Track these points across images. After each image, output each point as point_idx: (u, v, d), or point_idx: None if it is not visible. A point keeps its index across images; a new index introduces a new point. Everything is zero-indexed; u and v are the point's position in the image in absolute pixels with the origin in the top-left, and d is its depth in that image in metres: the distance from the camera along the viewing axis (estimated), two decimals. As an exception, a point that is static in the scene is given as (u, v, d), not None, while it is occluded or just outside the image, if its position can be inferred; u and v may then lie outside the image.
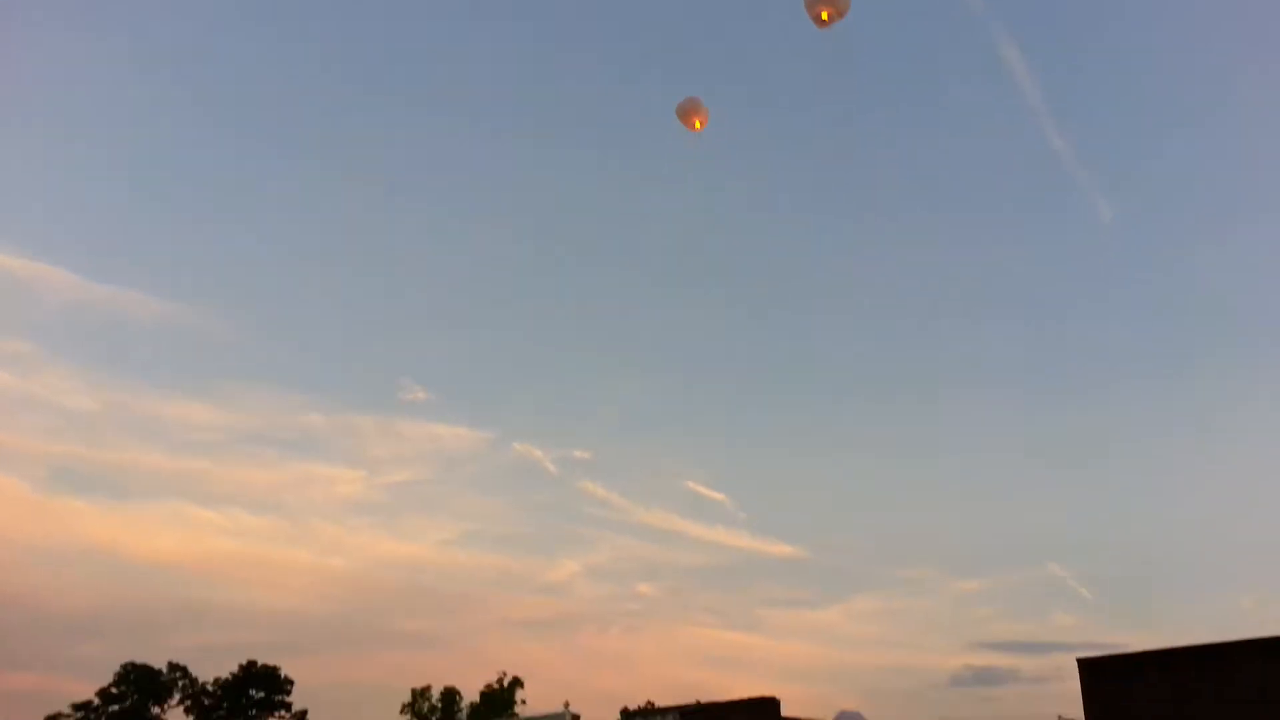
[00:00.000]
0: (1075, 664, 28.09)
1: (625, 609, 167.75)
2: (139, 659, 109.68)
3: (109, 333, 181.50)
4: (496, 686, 71.34)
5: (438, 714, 72.32)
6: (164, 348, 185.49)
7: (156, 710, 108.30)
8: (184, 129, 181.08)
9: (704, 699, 39.50)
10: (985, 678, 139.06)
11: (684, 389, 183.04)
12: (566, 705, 46.08)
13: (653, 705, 41.27)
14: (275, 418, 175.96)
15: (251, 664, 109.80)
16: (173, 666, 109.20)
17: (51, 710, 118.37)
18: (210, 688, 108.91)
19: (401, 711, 73.40)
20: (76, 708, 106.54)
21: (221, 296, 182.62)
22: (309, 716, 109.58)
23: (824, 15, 12.14)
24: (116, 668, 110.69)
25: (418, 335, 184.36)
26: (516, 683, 71.91)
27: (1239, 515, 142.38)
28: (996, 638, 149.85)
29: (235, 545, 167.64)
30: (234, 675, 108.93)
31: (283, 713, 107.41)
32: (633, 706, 41.76)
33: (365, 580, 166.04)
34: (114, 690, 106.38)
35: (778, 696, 36.31)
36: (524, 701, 69.23)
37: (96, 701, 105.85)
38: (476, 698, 71.25)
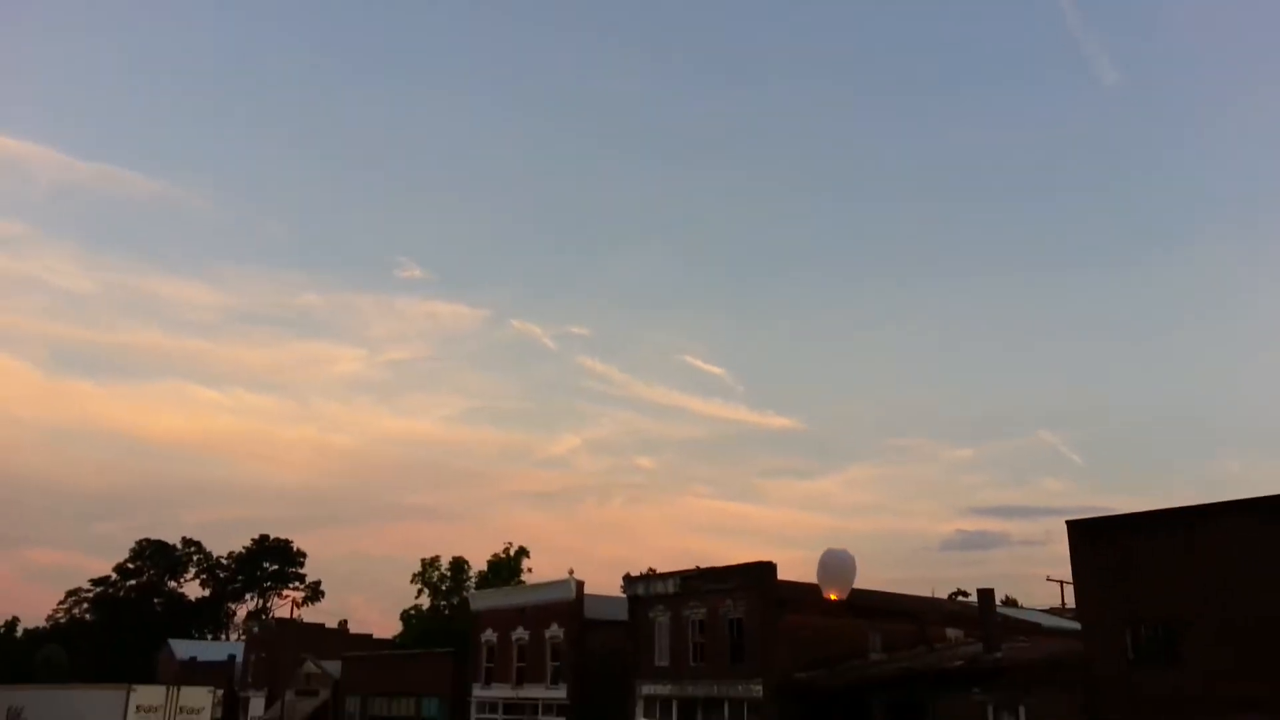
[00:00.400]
0: (1064, 527, 28.54)
1: (626, 481, 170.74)
2: (153, 535, 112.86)
3: (102, 212, 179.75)
4: (503, 556, 73.09)
5: (447, 583, 74.31)
6: (159, 227, 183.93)
7: (173, 584, 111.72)
8: (178, 5, 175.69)
9: (703, 565, 40.41)
10: (976, 542, 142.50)
11: (682, 264, 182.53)
12: (571, 573, 47.20)
13: (654, 572, 42.27)
14: (272, 297, 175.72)
15: (264, 538, 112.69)
16: (187, 542, 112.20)
17: (72, 585, 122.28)
18: (225, 561, 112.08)
19: (412, 581, 75.44)
20: (95, 582, 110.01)
21: (215, 175, 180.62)
22: (322, 587, 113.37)
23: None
24: (132, 544, 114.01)
25: (413, 213, 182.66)
26: (523, 552, 73.64)
27: (1228, 382, 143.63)
28: (987, 503, 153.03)
29: (239, 424, 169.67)
30: (247, 549, 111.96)
31: (296, 584, 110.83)
32: (634, 573, 42.81)
33: (369, 457, 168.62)
34: (131, 565, 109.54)
35: (774, 561, 37.16)
36: (530, 570, 71.15)
37: (114, 576, 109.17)
38: (484, 567, 73.15)
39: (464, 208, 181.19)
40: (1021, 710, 27.83)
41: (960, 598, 59.47)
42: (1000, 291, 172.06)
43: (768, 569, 36.91)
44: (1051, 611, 50.87)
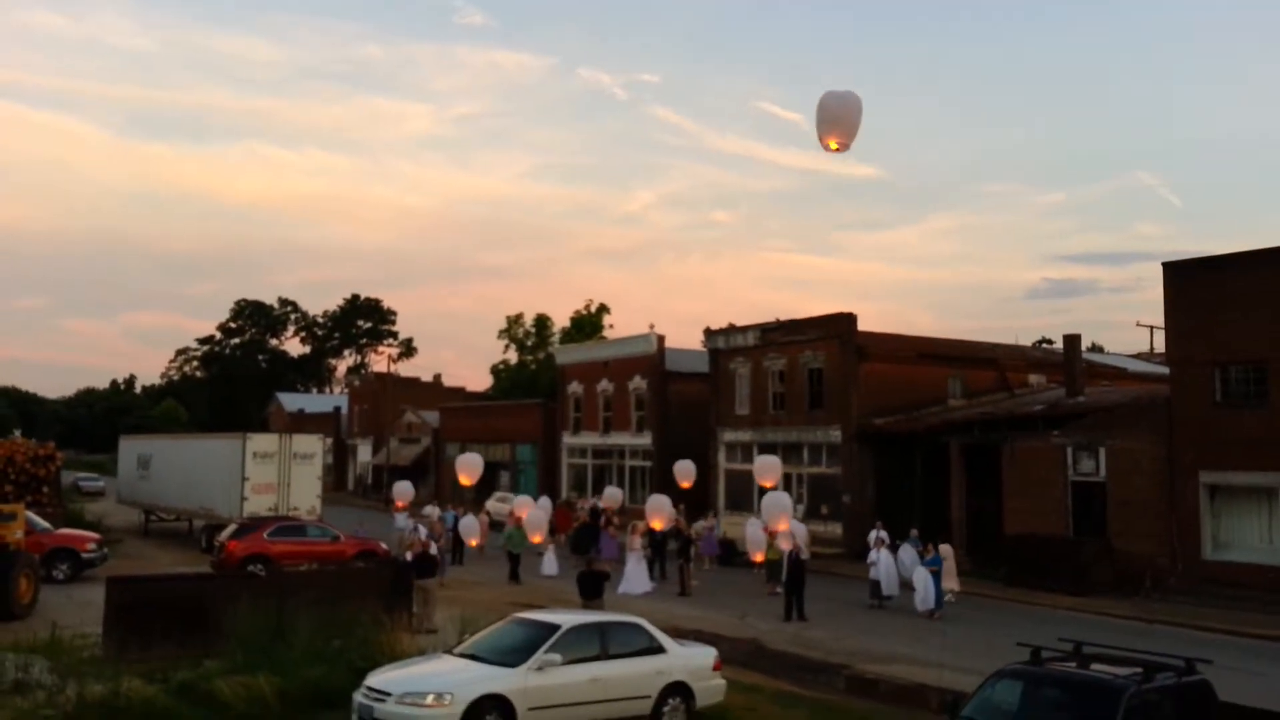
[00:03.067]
0: (1158, 271, 27.64)
1: (702, 236, 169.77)
2: (249, 296, 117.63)
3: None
4: (584, 313, 74.54)
5: (532, 339, 76.47)
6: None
7: (274, 341, 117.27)
8: None
9: (781, 318, 40.57)
10: (1063, 290, 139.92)
11: (756, 2, 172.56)
12: (651, 327, 47.96)
13: (733, 325, 42.63)
14: (333, 51, 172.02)
15: (355, 297, 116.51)
16: (283, 301, 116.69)
17: (180, 345, 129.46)
18: (320, 319, 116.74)
19: (498, 337, 77.85)
20: (202, 341, 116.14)
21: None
22: (414, 344, 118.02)
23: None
24: (230, 304, 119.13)
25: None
26: (603, 309, 74.92)
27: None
28: (1077, 250, 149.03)
29: (317, 185, 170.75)
30: (340, 308, 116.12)
31: (390, 341, 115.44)
32: (714, 327, 43.31)
33: (445, 217, 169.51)
34: (232, 324, 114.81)
35: (855, 313, 37.14)
36: (611, 327, 72.63)
37: (219, 335, 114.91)
38: (566, 324, 74.88)
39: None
40: (1102, 452, 28.09)
41: (1045, 346, 59.06)
42: (1096, 25, 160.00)
43: (847, 319, 37.00)
44: (1139, 357, 50.34)
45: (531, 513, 25.45)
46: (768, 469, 28.79)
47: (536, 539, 24.77)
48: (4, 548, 20.49)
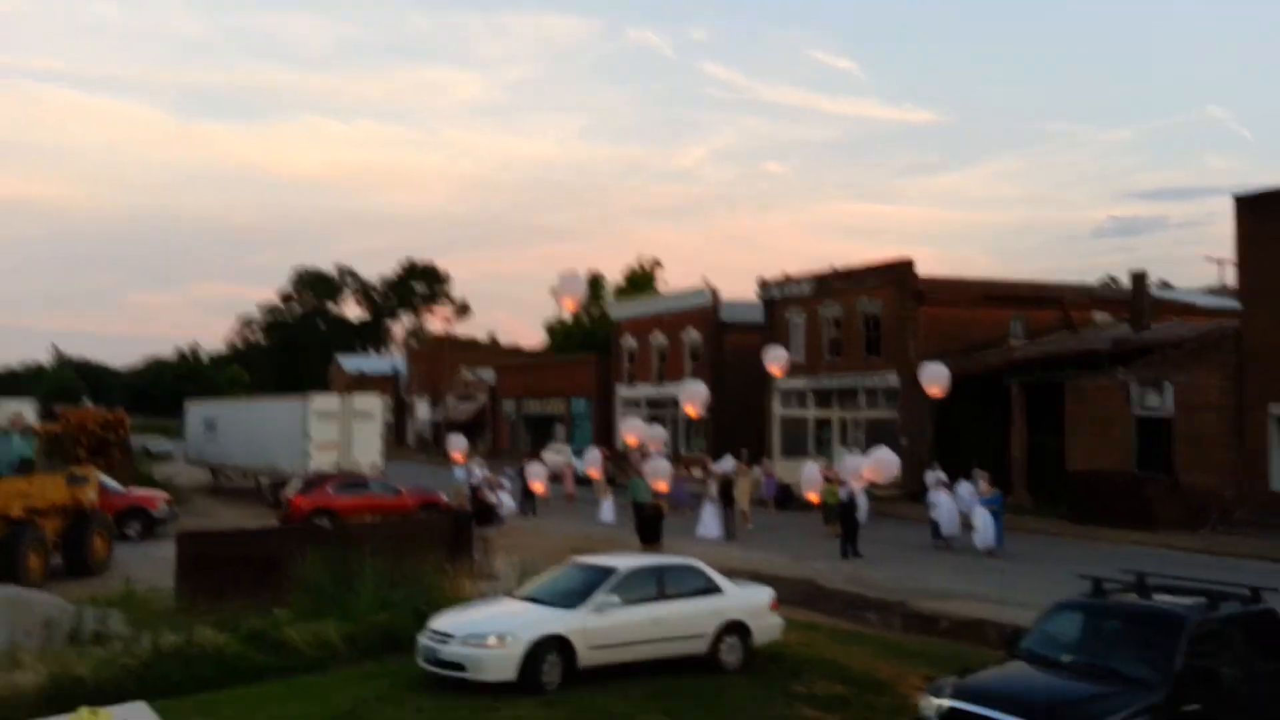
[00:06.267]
0: (1230, 204, 26.83)
1: (754, 189, 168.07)
2: (308, 265, 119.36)
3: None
4: (638, 269, 74.48)
5: (585, 296, 76.65)
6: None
7: (333, 307, 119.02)
8: None
9: (837, 267, 40.12)
10: (1130, 227, 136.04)
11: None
12: (705, 281, 47.78)
13: (788, 276, 42.28)
14: (380, 24, 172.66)
15: (411, 262, 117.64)
16: (340, 269, 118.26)
17: (242, 312, 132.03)
18: (377, 285, 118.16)
19: (552, 294, 78.14)
20: (263, 309, 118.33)
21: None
22: (469, 305, 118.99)
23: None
24: (289, 273, 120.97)
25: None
26: (656, 264, 74.85)
27: None
28: (1144, 187, 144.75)
29: (370, 156, 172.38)
30: (396, 274, 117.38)
31: (445, 302, 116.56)
32: (768, 279, 43.00)
33: (496, 181, 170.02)
34: (292, 293, 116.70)
35: (911, 258, 36.58)
36: (665, 282, 72.51)
37: (279, 303, 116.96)
38: (620, 281, 74.88)
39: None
40: (1168, 388, 27.44)
41: (1110, 285, 57.65)
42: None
43: (905, 265, 36.49)
44: (1209, 292, 48.88)
45: (654, 460, 25.36)
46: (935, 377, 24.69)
47: (662, 486, 24.63)
48: (79, 508, 21.18)
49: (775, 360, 27.98)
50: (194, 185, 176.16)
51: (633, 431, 27.25)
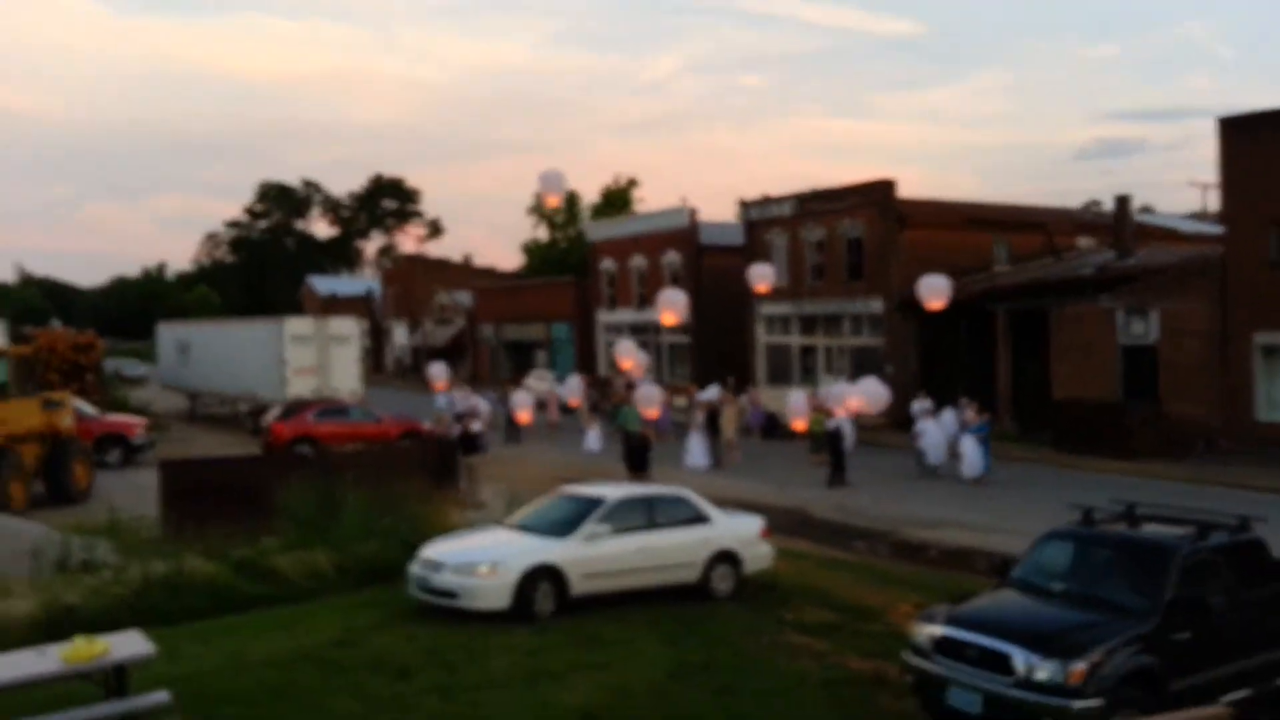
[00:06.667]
0: (1210, 128, 26.64)
1: (730, 104, 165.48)
2: (270, 177, 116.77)
3: None
4: (614, 187, 73.56)
5: (561, 215, 75.72)
6: None
7: (300, 224, 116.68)
8: None
9: (818, 188, 39.74)
10: (1112, 149, 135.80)
11: None
12: (683, 201, 47.23)
13: (768, 196, 41.86)
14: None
15: (378, 177, 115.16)
16: (307, 183, 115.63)
17: (204, 228, 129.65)
18: (345, 201, 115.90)
19: (527, 214, 77.15)
20: (230, 225, 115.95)
21: None
22: (441, 224, 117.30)
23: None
24: (252, 186, 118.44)
25: None
26: (633, 183, 73.90)
27: None
28: (1126, 108, 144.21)
29: (324, 59, 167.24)
30: (364, 188, 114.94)
31: (417, 221, 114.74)
32: (748, 199, 42.55)
33: (462, 90, 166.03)
34: (258, 207, 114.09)
35: (893, 179, 36.27)
36: (642, 201, 71.70)
37: (245, 218, 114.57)
38: (596, 199, 73.97)
39: None
40: (1153, 315, 27.56)
41: (1094, 209, 57.68)
42: None
43: (886, 186, 36.17)
44: (1192, 217, 48.99)
45: (644, 388, 25.15)
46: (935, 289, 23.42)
47: (653, 414, 24.49)
48: (56, 435, 20.96)
49: (760, 278, 27.56)
50: (146, 90, 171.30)
51: (627, 355, 26.90)
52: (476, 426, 21.42)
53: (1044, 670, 7.96)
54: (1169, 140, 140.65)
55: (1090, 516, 10.01)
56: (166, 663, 9.07)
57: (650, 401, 24.36)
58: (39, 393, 21.48)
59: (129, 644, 8.22)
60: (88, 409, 26.96)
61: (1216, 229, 33.19)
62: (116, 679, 8.05)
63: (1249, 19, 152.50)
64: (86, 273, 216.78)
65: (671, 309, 24.04)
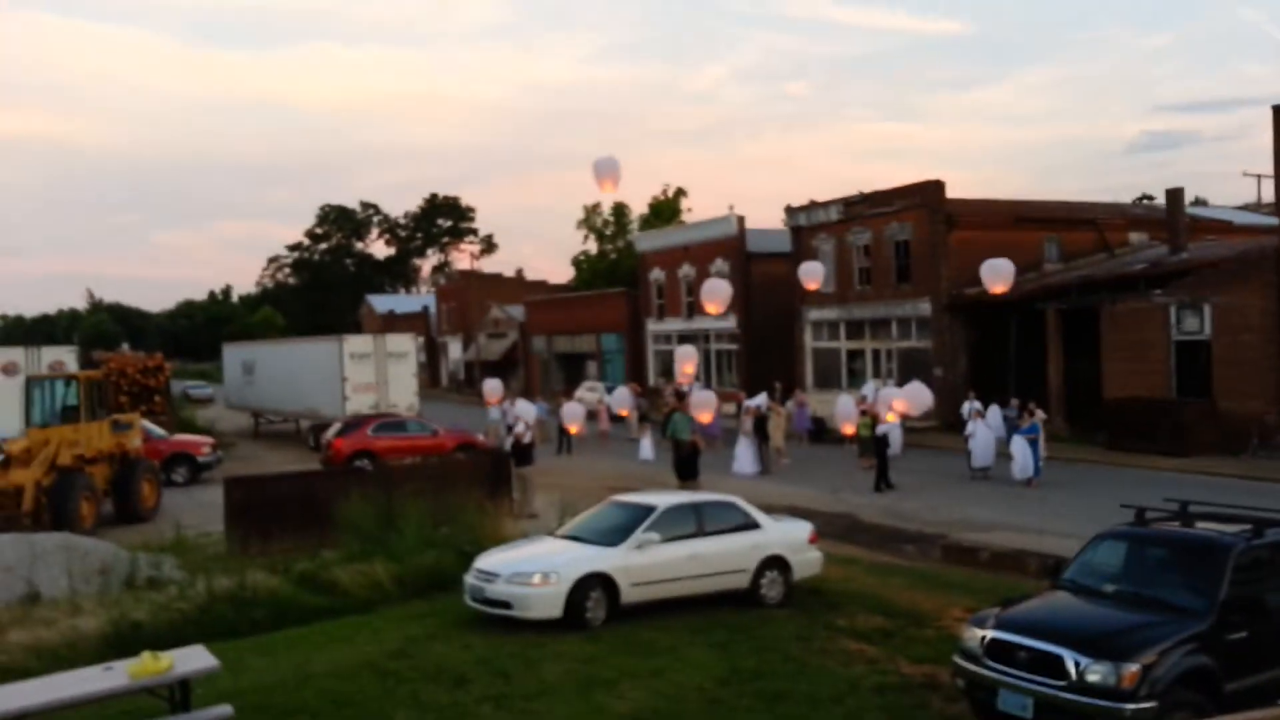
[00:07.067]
0: (1265, 116, 26.12)
1: (777, 110, 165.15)
2: (331, 201, 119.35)
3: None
4: (662, 198, 73.72)
5: (611, 227, 76.11)
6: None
7: (359, 245, 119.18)
8: None
9: (865, 191, 39.55)
10: (1164, 142, 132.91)
11: None
12: (731, 209, 47.31)
13: (815, 201, 41.75)
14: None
15: (434, 196, 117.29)
16: (365, 205, 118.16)
17: (268, 252, 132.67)
18: (402, 221, 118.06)
19: (577, 227, 77.67)
20: (292, 248, 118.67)
21: None
22: (495, 240, 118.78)
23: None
24: (314, 210, 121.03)
25: None
26: (681, 193, 73.97)
27: None
28: (1178, 99, 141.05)
29: (385, 83, 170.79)
30: (421, 208, 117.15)
31: (471, 238, 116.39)
32: (795, 205, 42.49)
33: (514, 107, 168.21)
34: (319, 230, 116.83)
35: (941, 180, 35.98)
36: (689, 210, 71.72)
37: (306, 241, 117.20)
38: (645, 210, 74.22)
39: None
40: (1207, 310, 27.02)
41: (1145, 203, 56.58)
42: None
43: (935, 187, 35.90)
44: (1247, 209, 47.88)
45: (698, 392, 25.22)
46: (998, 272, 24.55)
47: (707, 418, 24.64)
48: (125, 455, 21.63)
49: (810, 275, 27.44)
50: (210, 119, 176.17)
51: (688, 359, 26.98)
52: (527, 436, 21.64)
53: (1096, 672, 7.83)
54: (1223, 130, 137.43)
55: (1143, 516, 9.89)
56: (230, 676, 9.33)
57: (705, 406, 24.42)
58: (109, 415, 22.19)
59: (193, 659, 8.43)
60: (156, 429, 27.76)
61: (1272, 220, 32.45)
62: (181, 693, 8.26)
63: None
64: (155, 298, 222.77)
65: (715, 299, 23.94)
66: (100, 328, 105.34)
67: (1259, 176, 47.22)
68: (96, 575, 13.31)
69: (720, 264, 46.66)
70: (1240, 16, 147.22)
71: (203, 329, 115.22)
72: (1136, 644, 8.00)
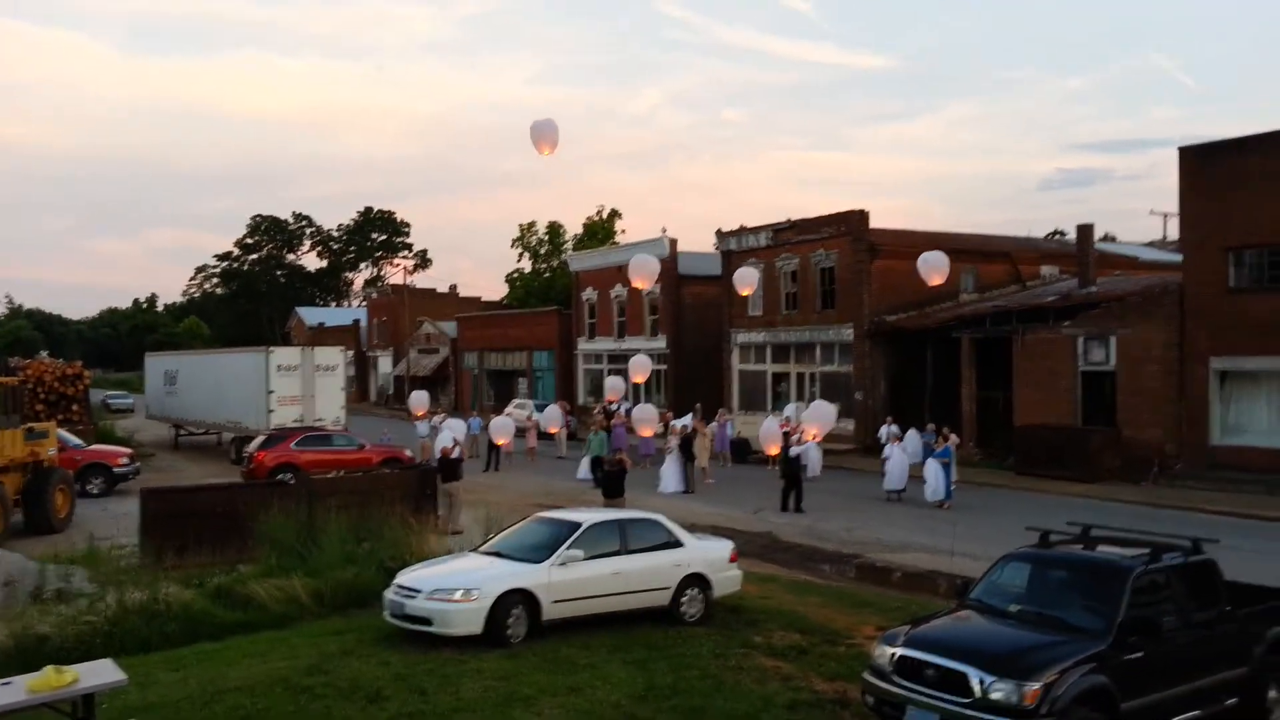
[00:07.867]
0: (1171, 158, 27.31)
1: (712, 135, 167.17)
2: (264, 211, 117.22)
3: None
4: (597, 218, 74.06)
5: (545, 246, 76.17)
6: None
7: (291, 256, 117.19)
8: None
9: (794, 218, 40.24)
10: (1076, 179, 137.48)
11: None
12: (664, 231, 47.72)
13: (745, 227, 42.35)
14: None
15: (368, 209, 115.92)
16: (298, 216, 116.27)
17: (198, 262, 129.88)
18: (335, 233, 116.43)
19: (512, 245, 77.62)
20: (220, 257, 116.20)
21: None
22: (429, 255, 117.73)
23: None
24: (246, 220, 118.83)
25: None
26: (615, 214, 74.40)
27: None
28: (1092, 138, 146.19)
29: (323, 95, 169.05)
30: (354, 220, 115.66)
31: (405, 253, 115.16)
32: (726, 229, 43.03)
33: (454, 124, 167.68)
34: (249, 240, 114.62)
35: (866, 209, 36.80)
36: (623, 231, 72.17)
37: (236, 251, 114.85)
38: (579, 230, 74.45)
39: None
40: (1112, 341, 28.06)
41: (1057, 238, 58.51)
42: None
43: (859, 216, 36.70)
44: (1153, 245, 49.83)
45: (640, 408, 25.57)
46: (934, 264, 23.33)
47: (647, 432, 25.00)
48: (39, 464, 21.02)
49: (743, 282, 27.93)
50: (146, 126, 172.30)
51: (614, 391, 27.61)
52: (456, 452, 21.57)
53: (999, 690, 8.06)
54: (1133, 170, 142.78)
55: (1047, 539, 10.25)
56: (139, 691, 9.16)
57: (646, 421, 24.79)
58: (23, 423, 21.54)
59: (100, 673, 8.27)
60: (73, 439, 27.00)
61: (1176, 257, 33.84)
62: (85, 709, 8.08)
63: (1212, 49, 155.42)
64: (79, 305, 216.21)
65: (641, 273, 24.27)
66: (18, 333, 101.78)
67: (1165, 215, 49.39)
68: (1, 587, 12.93)
69: (652, 285, 46.95)
70: (1152, 62, 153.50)
71: (126, 338, 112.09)
72: (1038, 663, 8.25)
